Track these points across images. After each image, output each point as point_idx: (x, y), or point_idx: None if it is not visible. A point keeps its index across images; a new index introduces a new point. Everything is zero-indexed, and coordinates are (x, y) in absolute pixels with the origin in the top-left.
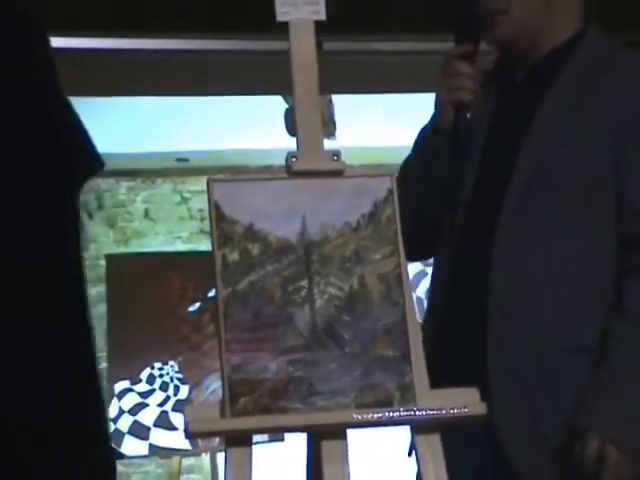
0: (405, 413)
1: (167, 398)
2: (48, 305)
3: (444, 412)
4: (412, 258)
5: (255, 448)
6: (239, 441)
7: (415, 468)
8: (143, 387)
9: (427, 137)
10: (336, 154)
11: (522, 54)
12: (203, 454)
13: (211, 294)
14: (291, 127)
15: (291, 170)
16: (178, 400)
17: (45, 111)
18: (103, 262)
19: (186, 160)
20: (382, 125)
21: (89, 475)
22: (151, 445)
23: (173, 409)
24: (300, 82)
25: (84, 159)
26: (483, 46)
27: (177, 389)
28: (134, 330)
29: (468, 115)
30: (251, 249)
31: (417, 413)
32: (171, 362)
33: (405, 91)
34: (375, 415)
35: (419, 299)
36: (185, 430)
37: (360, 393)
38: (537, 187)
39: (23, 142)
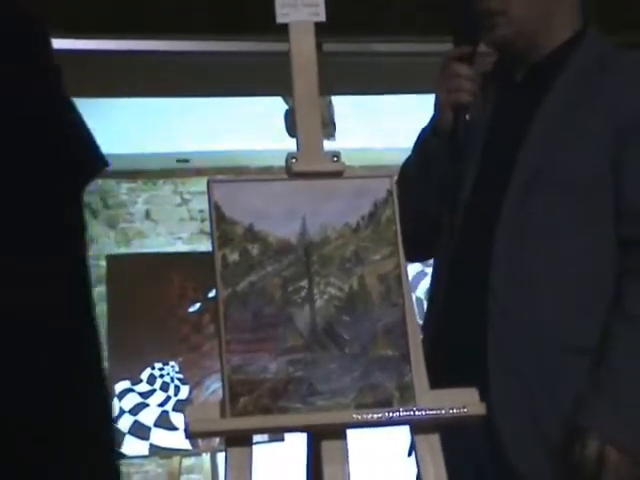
0: (405, 413)
1: (167, 398)
2: (48, 305)
3: (443, 412)
4: (412, 259)
5: (255, 448)
6: (239, 441)
7: (415, 468)
8: (144, 387)
9: (426, 138)
10: (336, 155)
11: (521, 55)
12: (203, 454)
13: (211, 294)
14: (291, 128)
15: (291, 171)
16: (178, 400)
17: (48, 110)
18: (104, 262)
19: (186, 161)
20: (381, 126)
21: (89, 475)
22: (151, 445)
23: (173, 409)
24: (300, 83)
25: (88, 158)
26: (482, 47)
27: (177, 389)
28: (135, 330)
29: (467, 116)
30: (251, 250)
31: (416, 413)
32: (171, 362)
33: (405, 92)
34: (375, 415)
35: (418, 299)
36: (185, 430)
37: (360, 393)
38: (537, 187)
39: (26, 142)
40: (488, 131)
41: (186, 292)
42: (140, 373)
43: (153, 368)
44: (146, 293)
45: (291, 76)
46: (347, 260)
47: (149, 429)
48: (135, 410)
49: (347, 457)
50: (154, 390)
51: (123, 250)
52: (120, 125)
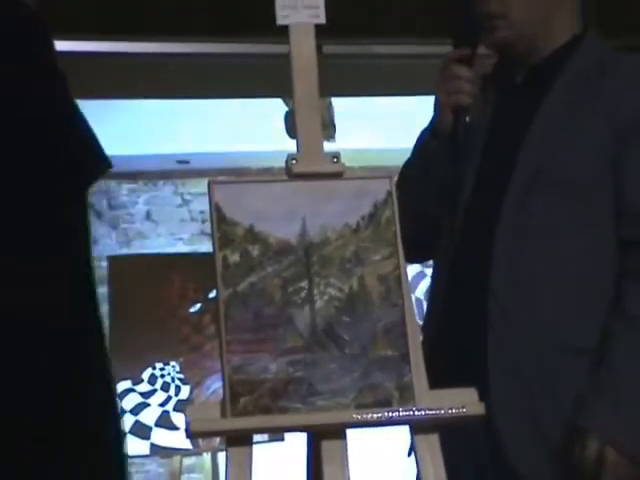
0: (404, 413)
1: (168, 398)
2: (48, 305)
3: (443, 412)
4: (412, 260)
5: (255, 448)
6: (240, 441)
7: (415, 468)
8: (144, 387)
9: (426, 140)
10: (336, 156)
11: (521, 57)
12: (204, 454)
13: (212, 295)
14: (291, 129)
15: (291, 172)
16: (179, 400)
17: (49, 111)
18: (105, 263)
19: (187, 162)
20: (381, 128)
21: (89, 475)
22: (152, 445)
23: (174, 409)
24: (300, 85)
25: (90, 159)
26: (482, 49)
27: (178, 389)
28: (135, 331)
29: (467, 118)
30: (251, 250)
31: (416, 413)
32: (172, 362)
33: (404, 94)
34: (374, 415)
35: (418, 300)
36: (186, 430)
37: (360, 393)
38: (537, 188)
39: (30, 142)
40: (488, 133)
41: (187, 293)
42: (141, 373)
43: (154, 368)
44: (147, 294)
45: (291, 78)
46: (347, 261)
47: (150, 429)
48: (136, 410)
49: (347, 457)
50: (155, 390)
51: (124, 251)
52: (120, 126)
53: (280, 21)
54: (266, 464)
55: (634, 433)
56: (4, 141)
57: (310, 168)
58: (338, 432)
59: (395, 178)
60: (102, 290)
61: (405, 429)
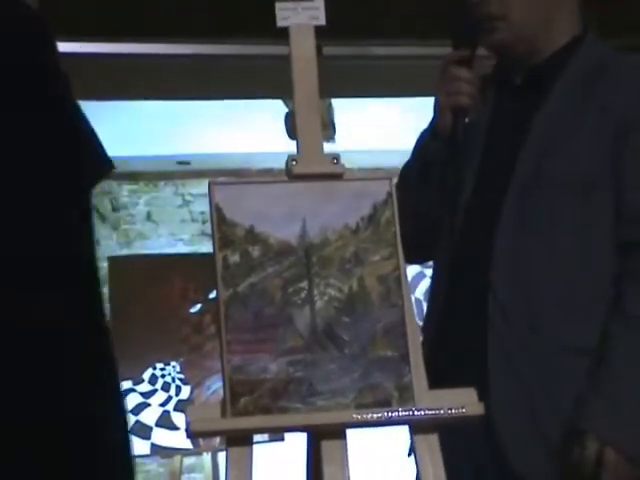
0: (404, 413)
1: (169, 398)
2: (49, 306)
3: (442, 412)
4: (411, 260)
5: (255, 448)
6: (240, 441)
7: (415, 469)
8: (145, 387)
9: (426, 141)
10: (336, 157)
11: (521, 58)
12: (204, 453)
13: (212, 295)
14: (291, 131)
15: (291, 173)
16: (180, 400)
17: (55, 113)
18: (105, 264)
19: (187, 163)
20: (381, 129)
21: (93, 475)
22: (153, 445)
23: (175, 409)
24: (300, 86)
25: (95, 161)
26: (481, 51)
27: (179, 389)
28: (136, 331)
29: (466, 119)
30: (252, 251)
31: (415, 413)
32: (173, 363)
33: (404, 95)
34: (374, 415)
35: (418, 301)
36: (187, 430)
37: (359, 393)
38: (537, 189)
39: (32, 144)
40: (487, 134)
41: (187, 293)
42: (142, 373)
43: (154, 368)
44: (147, 294)
45: (291, 79)
46: (347, 261)
47: (150, 429)
48: (137, 410)
49: (347, 457)
50: (155, 390)
51: (125, 251)
52: (121, 128)
53: (280, 23)
54: (266, 464)
55: (633, 433)
56: (6, 142)
57: (310, 169)
58: (338, 432)
59: (395, 179)
60: (103, 291)
61: (405, 429)
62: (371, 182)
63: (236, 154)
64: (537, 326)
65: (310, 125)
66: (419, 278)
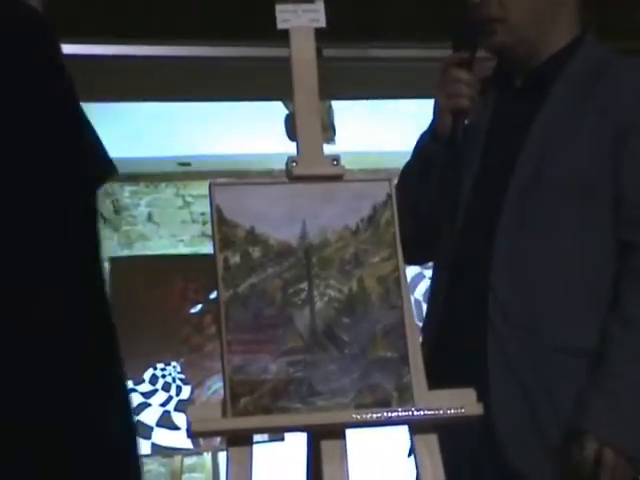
0: (403, 413)
1: (169, 398)
2: (51, 306)
3: (441, 412)
4: (411, 261)
5: (255, 448)
6: (240, 440)
7: (415, 469)
8: (146, 387)
9: (426, 143)
10: (336, 159)
11: (520, 60)
12: (205, 453)
13: (212, 296)
14: (291, 132)
15: (291, 175)
16: (180, 400)
17: (54, 114)
18: (107, 265)
19: (188, 165)
20: (381, 130)
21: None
22: (154, 444)
23: (175, 409)
24: (300, 88)
25: (96, 164)
26: (481, 53)
27: (179, 389)
28: (137, 331)
29: (466, 121)
30: (252, 252)
31: (415, 413)
32: (173, 363)
33: (404, 97)
34: (374, 415)
35: (417, 301)
36: (187, 430)
37: (359, 394)
38: (536, 190)
39: (34, 144)
40: (487, 136)
41: (188, 294)
42: (142, 373)
43: (155, 368)
44: (148, 295)
45: (291, 81)
46: (346, 262)
47: (151, 429)
48: (137, 410)
49: (347, 457)
50: (156, 390)
51: (126, 252)
52: (122, 129)
53: (280, 25)
54: (266, 464)
55: (633, 434)
56: (5, 143)
57: (310, 170)
58: (338, 432)
59: (395, 181)
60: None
61: (405, 429)
62: (371, 183)
63: (236, 155)
64: (537, 327)
65: (310, 127)
66: (418, 279)
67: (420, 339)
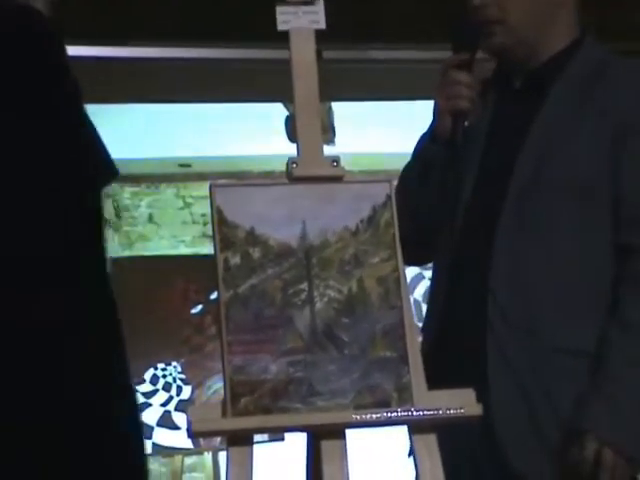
0: (403, 413)
1: (170, 398)
2: (51, 306)
3: (441, 413)
4: (411, 262)
5: (256, 448)
6: (240, 440)
7: (414, 469)
8: (146, 387)
9: (426, 145)
10: (336, 160)
11: (519, 62)
12: (205, 453)
13: (213, 297)
14: (292, 134)
15: (292, 176)
16: (181, 400)
17: (61, 115)
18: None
19: (189, 166)
20: (381, 132)
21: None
22: (154, 444)
23: (176, 409)
24: (300, 90)
25: (100, 167)
26: (481, 54)
27: (180, 389)
28: (138, 332)
29: (466, 123)
30: (252, 253)
31: (414, 413)
32: (174, 363)
33: (404, 99)
34: (373, 415)
35: (416, 302)
36: (188, 429)
37: (359, 394)
38: (536, 192)
39: (33, 144)
40: (487, 137)
41: (188, 294)
42: (143, 373)
43: (156, 368)
44: (149, 295)
45: (292, 82)
46: (346, 263)
47: (152, 428)
48: None
49: (347, 457)
50: (157, 390)
51: (127, 253)
52: (123, 130)
53: (281, 27)
54: (266, 464)
55: (632, 435)
56: (5, 143)
57: (310, 172)
58: (338, 432)
59: (394, 182)
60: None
61: (404, 429)
62: (370, 185)
63: (237, 157)
64: (536, 329)
65: (310, 128)
66: (418, 280)
67: (420, 339)
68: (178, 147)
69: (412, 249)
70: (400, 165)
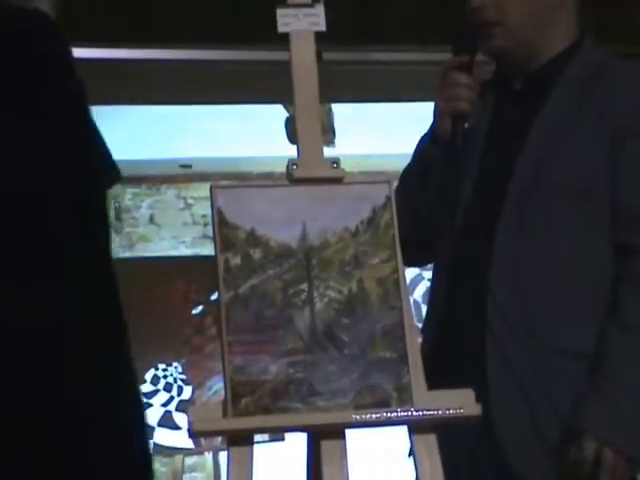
0: (402, 414)
1: (171, 398)
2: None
3: (440, 413)
4: (410, 263)
5: (256, 448)
6: (241, 440)
7: (414, 469)
8: (147, 388)
9: (426, 146)
10: (336, 162)
11: (519, 64)
12: (206, 453)
13: (214, 297)
14: (292, 135)
15: (292, 177)
16: (181, 400)
17: (63, 115)
18: None
19: (189, 167)
20: (381, 133)
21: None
22: (155, 444)
23: (176, 409)
24: (300, 91)
25: (103, 170)
26: (481, 56)
27: (180, 390)
28: (138, 332)
29: (466, 125)
30: (253, 254)
31: (414, 414)
32: (175, 363)
33: (404, 100)
34: (373, 415)
35: (416, 303)
36: (189, 430)
37: (359, 394)
38: (535, 194)
39: (33, 144)
40: (487, 139)
41: (189, 295)
42: (144, 374)
43: (157, 369)
44: (149, 296)
45: (292, 84)
46: (346, 264)
47: (153, 429)
48: None
49: (347, 457)
50: (157, 390)
51: (128, 254)
52: (124, 132)
53: (281, 29)
54: (266, 464)
55: (631, 434)
56: (5, 142)
57: (310, 173)
58: (338, 432)
59: (394, 183)
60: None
61: (404, 429)
62: (370, 186)
63: (237, 158)
64: (536, 330)
65: (310, 130)
66: (417, 280)
67: (419, 339)
68: (179, 148)
69: (412, 250)
70: (400, 166)
